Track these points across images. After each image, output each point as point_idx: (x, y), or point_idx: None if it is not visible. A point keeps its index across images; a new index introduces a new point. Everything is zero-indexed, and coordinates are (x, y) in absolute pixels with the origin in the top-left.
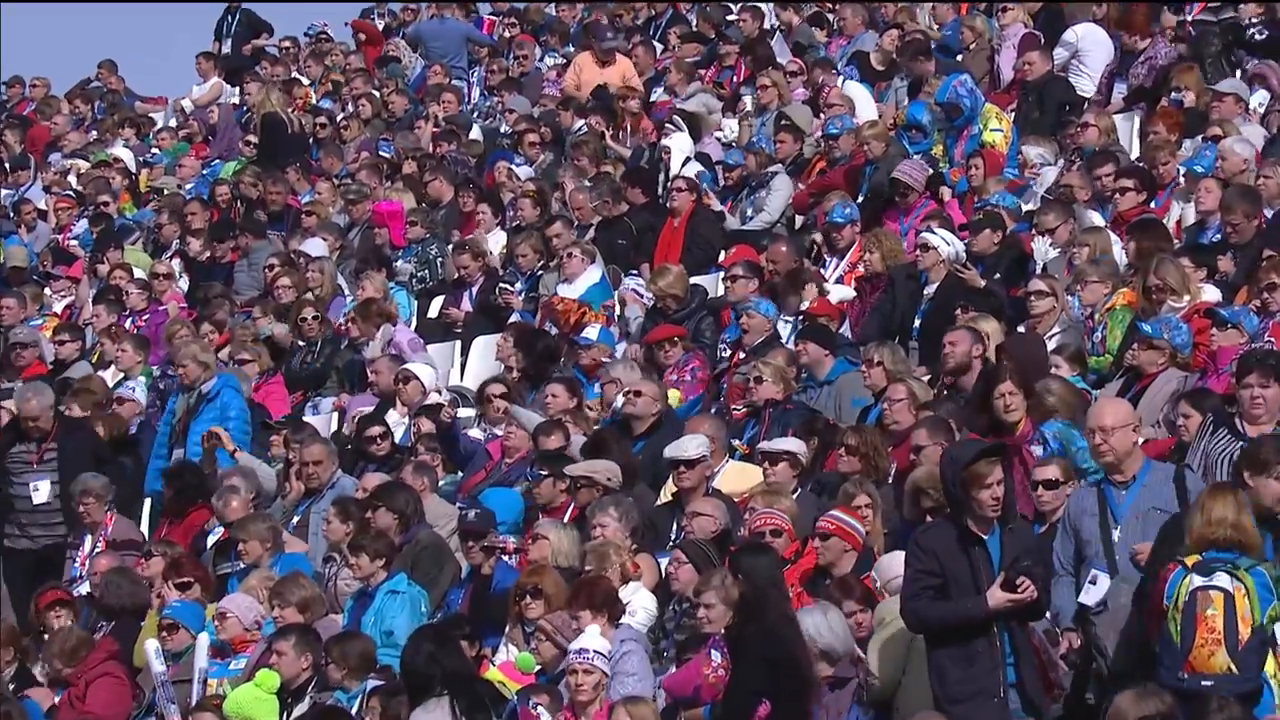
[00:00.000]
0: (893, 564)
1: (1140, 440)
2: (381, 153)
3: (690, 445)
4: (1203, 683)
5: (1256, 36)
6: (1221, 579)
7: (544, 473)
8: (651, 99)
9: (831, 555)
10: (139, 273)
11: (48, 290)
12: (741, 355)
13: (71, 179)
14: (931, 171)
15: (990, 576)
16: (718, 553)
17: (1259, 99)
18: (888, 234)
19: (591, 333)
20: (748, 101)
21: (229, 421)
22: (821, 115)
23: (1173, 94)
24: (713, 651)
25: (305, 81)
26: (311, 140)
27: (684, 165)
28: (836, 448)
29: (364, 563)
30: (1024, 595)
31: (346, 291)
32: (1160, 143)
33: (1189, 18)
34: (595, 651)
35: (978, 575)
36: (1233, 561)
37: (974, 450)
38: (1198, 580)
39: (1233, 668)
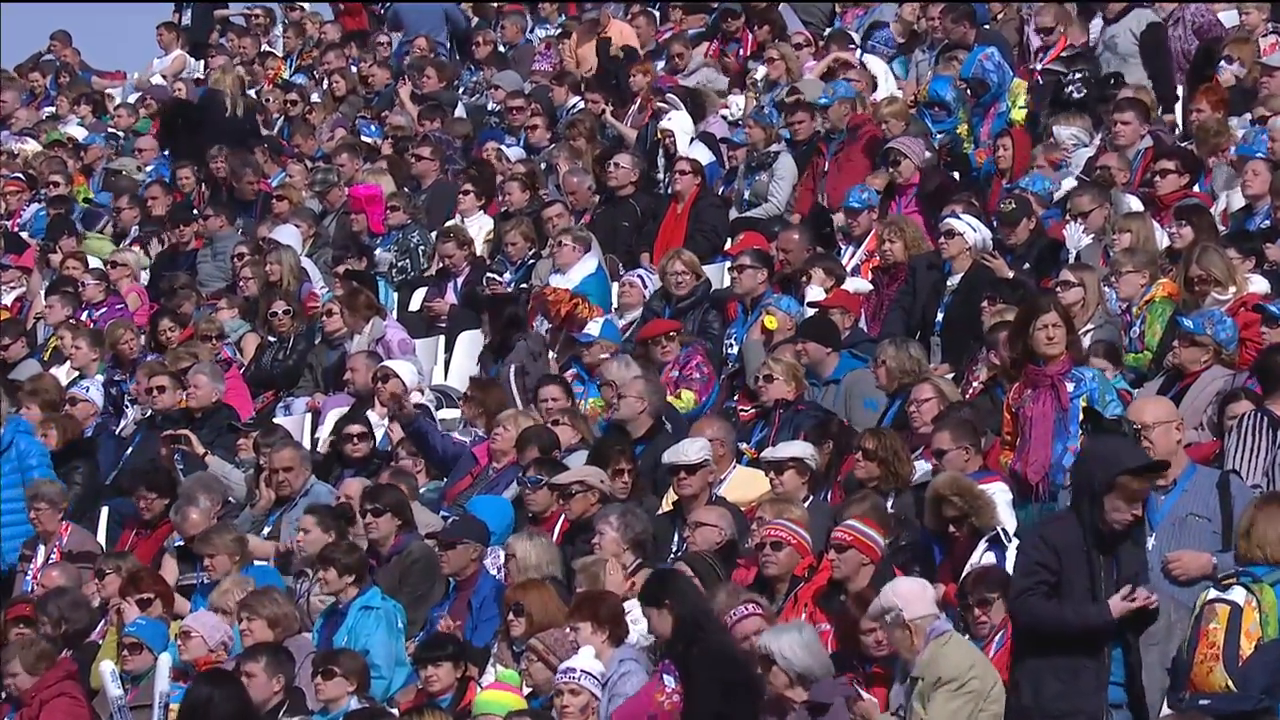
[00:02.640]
0: (914, 598)
1: (1182, 442)
2: (363, 135)
3: (690, 449)
4: (1200, 702)
5: (1075, 95)
6: (1236, 593)
7: (541, 479)
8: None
9: (848, 569)
10: (95, 262)
11: None
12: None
13: (20, 159)
14: (930, 154)
15: (1109, 588)
16: (724, 566)
17: None
18: (909, 221)
19: (594, 328)
20: (760, 71)
21: (32, 470)
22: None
23: (1221, 64)
24: (665, 676)
25: (278, 54)
26: (281, 119)
27: (688, 146)
28: (853, 452)
29: (331, 577)
30: (1148, 602)
31: (314, 280)
32: (1212, 123)
33: (1039, 66)
34: (584, 671)
35: (1096, 583)
36: (1254, 574)
37: (1142, 460)
38: (1213, 594)
39: (1230, 685)
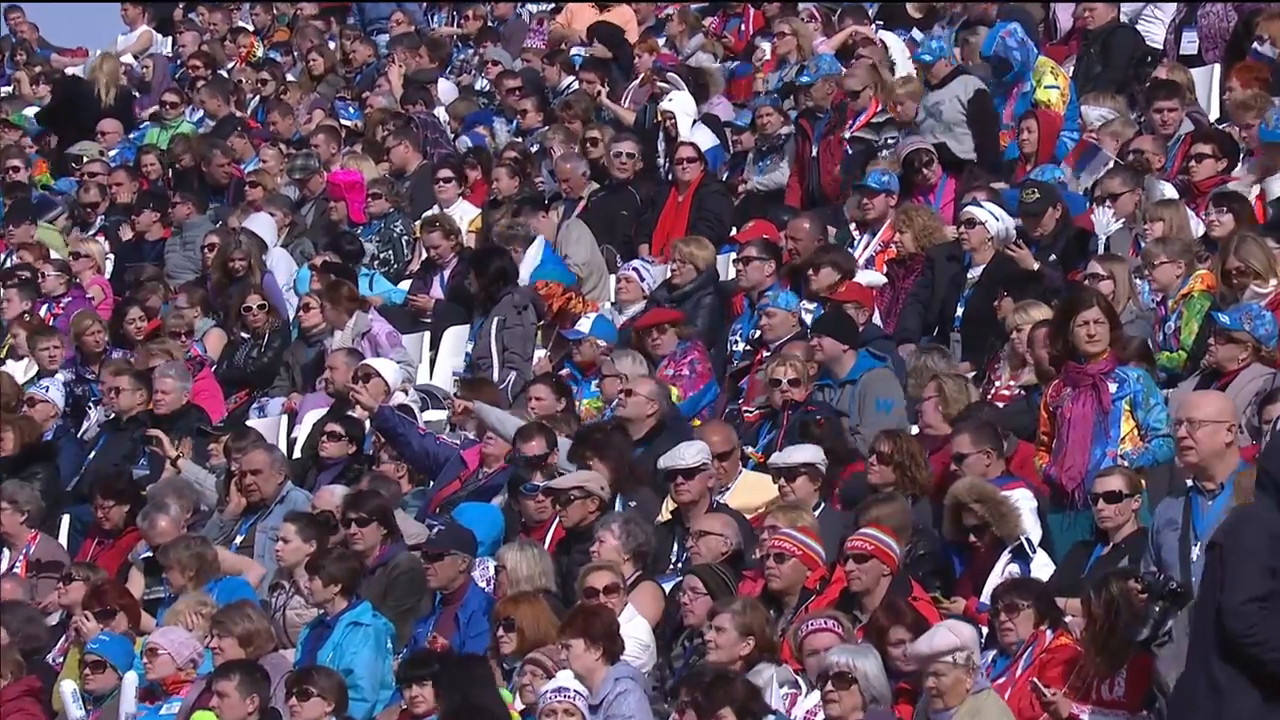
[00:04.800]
0: (975, 643)
1: (1233, 444)
2: (342, 118)
3: (688, 452)
4: None
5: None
6: None
7: (538, 485)
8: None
9: (869, 580)
10: (56, 253)
11: None
12: (765, 355)
13: None
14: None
15: None
16: (736, 578)
17: None
18: (920, 209)
19: (584, 325)
20: (765, 49)
21: None
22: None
23: (1255, 45)
24: None
25: (250, 29)
26: (255, 99)
27: (690, 129)
28: (851, 460)
29: (317, 586)
30: None
31: (282, 271)
32: (1248, 100)
33: (848, 134)
34: (577, 691)
35: None
36: None
37: None
38: None
39: None
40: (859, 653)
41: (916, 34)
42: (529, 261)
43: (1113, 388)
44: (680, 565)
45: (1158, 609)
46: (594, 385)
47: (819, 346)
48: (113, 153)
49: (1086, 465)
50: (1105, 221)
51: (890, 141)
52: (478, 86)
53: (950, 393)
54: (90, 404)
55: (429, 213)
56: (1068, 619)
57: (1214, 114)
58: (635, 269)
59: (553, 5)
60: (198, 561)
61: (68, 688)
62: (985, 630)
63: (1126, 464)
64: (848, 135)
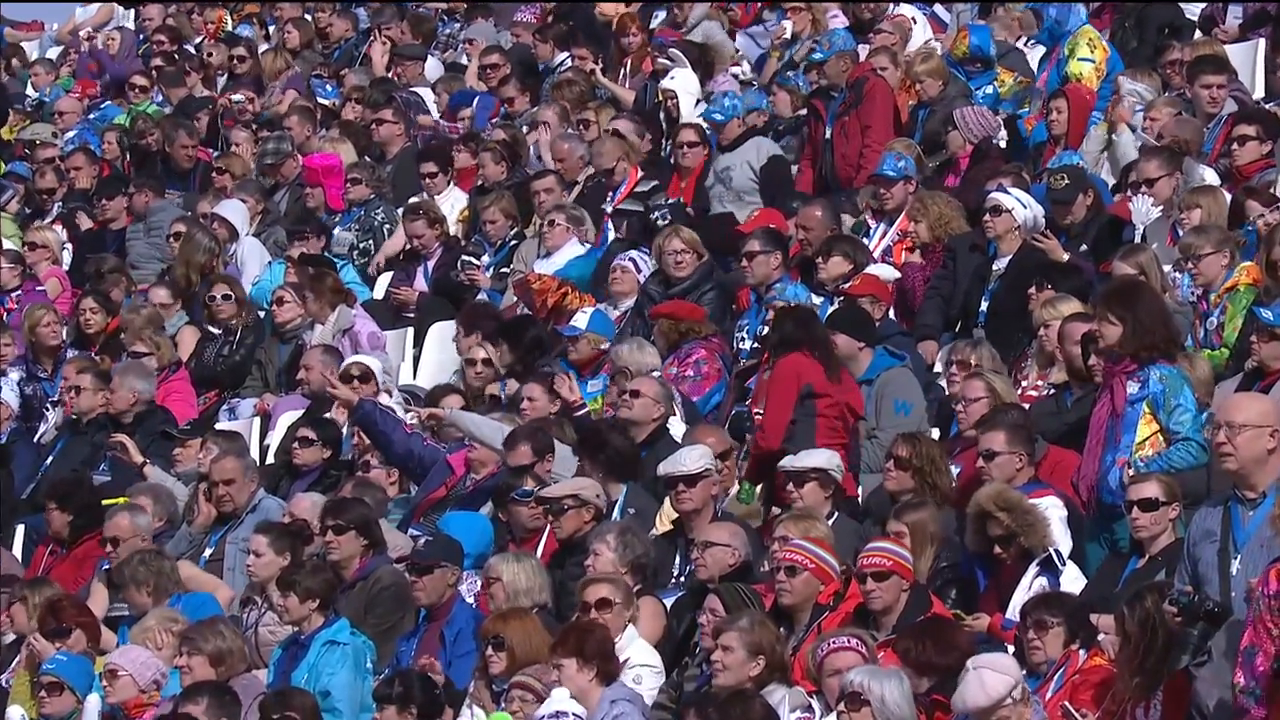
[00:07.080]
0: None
1: (1274, 448)
2: (319, 97)
3: (689, 457)
4: None
5: (660, 222)
6: None
7: (531, 490)
8: (651, 25)
9: (890, 597)
10: (9, 244)
11: None
12: None
13: None
14: (1000, 131)
15: None
16: (754, 593)
17: None
18: (937, 197)
19: (580, 320)
20: (787, 27)
21: None
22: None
23: None
24: None
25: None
26: (226, 78)
27: (693, 110)
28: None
29: (292, 604)
30: None
31: (251, 261)
32: None
33: (609, 208)
34: (575, 715)
35: None
36: None
37: None
38: None
39: None
40: (876, 675)
41: (939, 9)
42: (568, 250)
43: (1132, 389)
44: (683, 579)
45: (1196, 632)
46: (590, 385)
47: (833, 343)
48: (70, 134)
49: (1096, 472)
50: (1144, 210)
51: (668, 203)
52: (464, 63)
53: (1003, 391)
54: (46, 405)
55: (413, 200)
56: (1101, 637)
57: (1258, 93)
58: (631, 259)
59: None
60: (155, 576)
61: (15, 714)
62: (1011, 649)
63: (1132, 471)
64: (609, 209)
